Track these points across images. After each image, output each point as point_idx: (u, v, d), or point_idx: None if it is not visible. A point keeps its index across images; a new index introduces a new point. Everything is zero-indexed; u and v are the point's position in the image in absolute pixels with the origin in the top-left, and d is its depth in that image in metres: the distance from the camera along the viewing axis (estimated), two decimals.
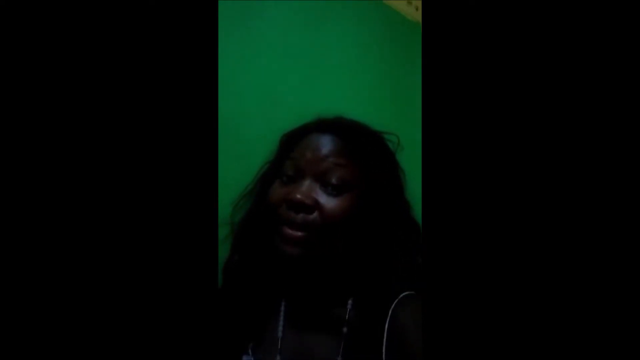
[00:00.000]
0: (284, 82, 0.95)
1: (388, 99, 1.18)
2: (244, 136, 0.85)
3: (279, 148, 0.63)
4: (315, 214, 0.53)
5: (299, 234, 0.53)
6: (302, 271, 0.58)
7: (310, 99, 0.97)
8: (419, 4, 1.27)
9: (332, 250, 0.55)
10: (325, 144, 0.57)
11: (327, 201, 0.54)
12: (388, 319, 0.53)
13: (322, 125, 0.60)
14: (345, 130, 0.59)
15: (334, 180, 0.55)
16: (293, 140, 0.61)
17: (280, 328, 0.59)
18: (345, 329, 0.56)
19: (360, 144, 0.58)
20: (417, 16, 1.27)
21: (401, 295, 0.55)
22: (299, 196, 0.53)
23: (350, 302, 0.57)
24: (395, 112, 1.16)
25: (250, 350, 0.59)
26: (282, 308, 0.61)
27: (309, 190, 0.54)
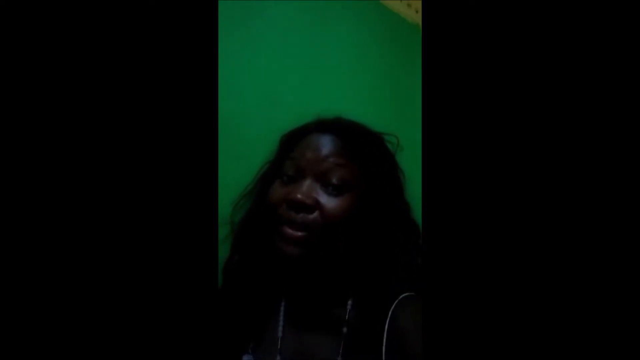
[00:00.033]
0: (284, 82, 0.95)
1: (388, 99, 1.18)
2: (244, 136, 0.85)
3: (279, 148, 0.63)
4: (315, 214, 0.53)
5: (299, 233, 0.53)
6: (302, 271, 0.58)
7: (310, 100, 0.97)
8: (419, 6, 1.27)
9: (332, 251, 0.55)
10: (326, 144, 0.57)
11: (327, 201, 0.54)
12: (388, 320, 0.53)
13: (322, 126, 0.60)
14: (345, 130, 0.59)
15: (334, 180, 0.55)
16: (293, 141, 0.61)
17: (280, 328, 0.59)
18: (345, 330, 0.56)
19: (360, 144, 0.58)
20: (417, 18, 1.27)
21: (401, 296, 0.55)
22: (299, 196, 0.53)
23: (350, 302, 0.57)
24: (395, 113, 1.16)
25: (250, 350, 0.59)
26: (282, 308, 0.61)
27: (309, 190, 0.54)
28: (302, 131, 0.61)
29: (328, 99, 1.01)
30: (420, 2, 1.25)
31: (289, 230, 0.53)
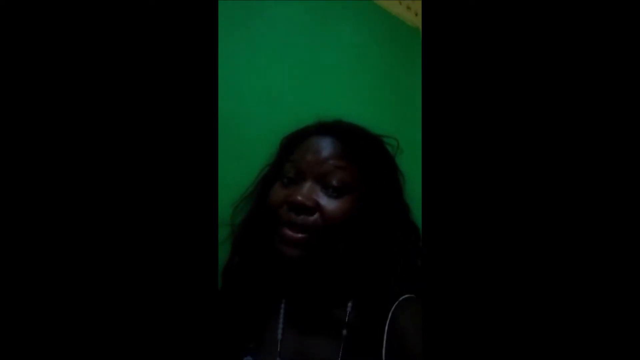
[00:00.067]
0: (285, 84, 0.95)
1: (387, 101, 1.18)
2: (244, 137, 0.85)
3: (279, 150, 0.63)
4: (316, 216, 0.53)
5: (300, 235, 0.53)
6: (302, 273, 0.58)
7: (310, 101, 0.98)
8: (418, 9, 1.27)
9: (332, 252, 0.55)
10: (326, 146, 0.57)
11: (327, 203, 0.54)
12: (388, 322, 0.53)
13: (322, 128, 0.60)
14: (345, 133, 0.59)
15: (334, 183, 0.55)
16: (293, 143, 0.61)
17: (280, 330, 0.59)
18: (345, 331, 0.55)
19: (360, 147, 0.59)
20: (416, 21, 1.28)
21: (401, 298, 0.55)
22: (300, 198, 0.53)
23: (350, 304, 0.57)
24: (395, 115, 1.17)
25: (250, 352, 0.59)
26: (282, 310, 0.61)
27: (309, 192, 0.54)
28: (302, 134, 0.61)
29: (328, 101, 1.01)
30: (419, 4, 1.25)
31: (289, 232, 0.53)
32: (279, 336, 0.58)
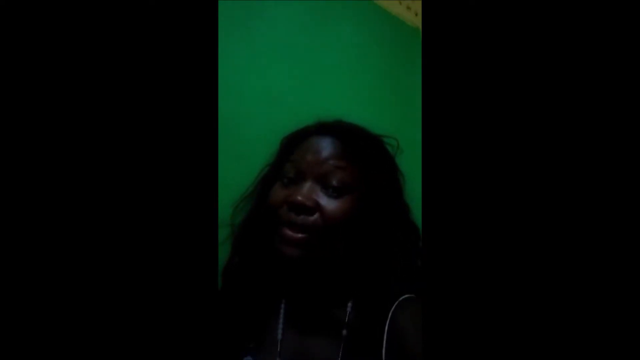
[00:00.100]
0: (285, 84, 0.95)
1: (387, 101, 1.18)
2: (244, 137, 0.85)
3: (279, 150, 0.63)
4: (316, 216, 0.53)
5: (300, 235, 0.53)
6: (302, 273, 0.58)
7: (310, 101, 0.98)
8: (418, 9, 1.27)
9: (332, 252, 0.55)
10: (326, 146, 0.57)
11: (327, 203, 0.54)
12: (388, 322, 0.53)
13: (322, 128, 0.60)
14: (345, 133, 0.59)
15: (334, 183, 0.55)
16: (293, 143, 0.61)
17: (280, 330, 0.59)
18: (345, 331, 0.55)
19: (360, 147, 0.59)
20: (416, 21, 1.28)
21: (401, 298, 0.55)
22: (300, 198, 0.53)
23: (350, 304, 0.57)
24: (395, 115, 1.17)
25: (250, 352, 0.59)
26: (282, 310, 0.61)
27: (309, 192, 0.54)
28: (303, 134, 0.61)
29: (328, 101, 1.01)
30: (419, 4, 1.25)
31: (289, 232, 0.53)
32: (279, 336, 0.58)
